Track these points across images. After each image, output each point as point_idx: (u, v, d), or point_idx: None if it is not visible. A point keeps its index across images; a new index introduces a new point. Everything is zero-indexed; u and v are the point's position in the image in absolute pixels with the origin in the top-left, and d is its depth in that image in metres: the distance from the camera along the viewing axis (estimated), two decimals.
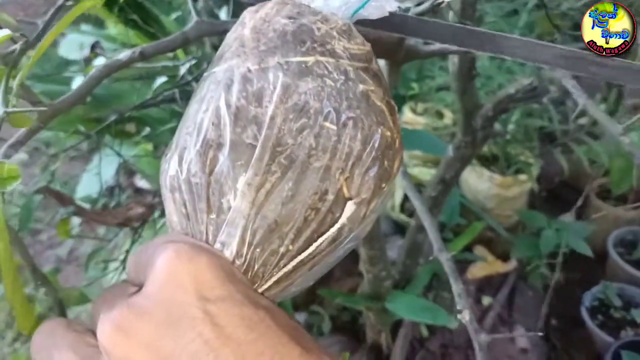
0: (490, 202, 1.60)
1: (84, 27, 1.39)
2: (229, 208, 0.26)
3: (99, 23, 1.37)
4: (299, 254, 0.27)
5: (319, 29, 0.29)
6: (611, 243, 1.51)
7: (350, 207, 0.27)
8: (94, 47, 1.15)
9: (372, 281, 1.16)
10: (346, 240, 0.29)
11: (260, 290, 0.27)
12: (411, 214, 1.54)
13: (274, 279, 0.27)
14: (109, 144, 0.96)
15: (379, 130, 0.28)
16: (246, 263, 0.26)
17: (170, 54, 0.99)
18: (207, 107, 0.28)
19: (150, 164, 1.13)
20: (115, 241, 1.38)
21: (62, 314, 0.61)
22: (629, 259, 1.48)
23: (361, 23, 0.33)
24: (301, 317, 1.38)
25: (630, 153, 0.33)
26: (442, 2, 0.37)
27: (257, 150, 0.26)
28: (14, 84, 0.33)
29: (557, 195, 1.77)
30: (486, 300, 1.49)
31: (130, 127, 1.06)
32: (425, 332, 1.36)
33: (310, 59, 0.28)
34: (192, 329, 0.22)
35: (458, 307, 0.40)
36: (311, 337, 0.25)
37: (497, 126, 1.49)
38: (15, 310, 0.43)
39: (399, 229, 1.59)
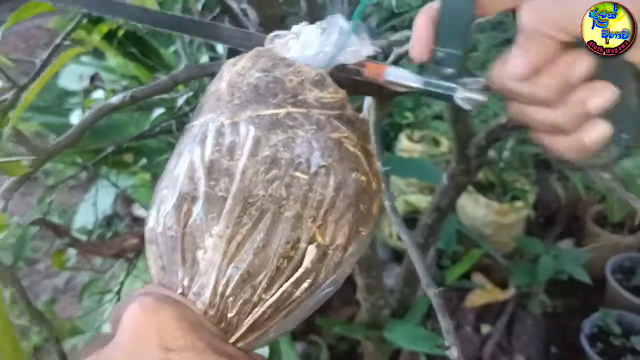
0: (487, 229, 1.60)
1: (84, 58, 1.42)
2: (202, 260, 0.27)
3: (98, 54, 1.40)
4: (273, 302, 0.27)
5: (290, 80, 0.30)
6: (609, 270, 1.51)
7: (311, 250, 0.27)
8: (93, 78, 1.17)
9: (370, 310, 1.16)
10: (323, 286, 0.29)
11: (234, 338, 0.28)
12: None
13: (247, 327, 0.28)
14: (107, 174, 0.97)
15: (353, 176, 0.29)
16: (219, 312, 0.27)
17: None
18: (184, 161, 0.29)
19: (147, 193, 1.14)
20: (112, 271, 1.38)
21: (58, 346, 0.61)
22: (627, 286, 1.47)
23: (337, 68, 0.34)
24: (299, 347, 1.37)
25: (610, 188, 0.34)
26: None
27: (227, 203, 0.27)
28: (6, 129, 0.34)
29: (554, 221, 1.77)
30: (485, 328, 1.47)
31: (128, 158, 1.07)
32: None
33: (282, 111, 0.29)
34: None
35: (446, 344, 0.40)
36: None
37: (492, 153, 1.51)
38: (5, 356, 0.43)
39: (397, 256, 1.59)
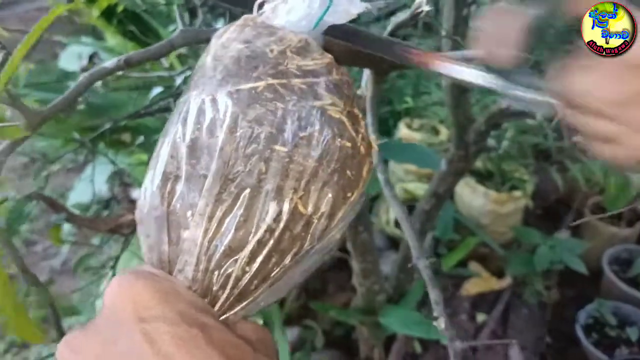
0: (485, 219, 1.60)
1: (84, 39, 1.41)
2: (185, 238, 0.28)
3: (99, 35, 1.39)
4: (257, 273, 0.28)
5: (272, 50, 0.30)
6: (606, 261, 1.51)
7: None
8: (92, 57, 1.16)
9: (365, 295, 1.16)
10: (310, 253, 0.29)
11: (221, 309, 0.28)
12: None
13: (234, 297, 0.28)
14: (104, 152, 0.96)
15: (337, 143, 0.29)
16: (204, 287, 0.28)
17: (167, 65, 1.00)
18: (168, 141, 0.30)
19: (144, 173, 1.13)
20: (109, 252, 1.38)
21: (56, 317, 0.61)
22: (623, 277, 1.47)
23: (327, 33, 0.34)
24: (294, 331, 1.37)
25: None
26: (421, 11, 0.38)
27: (207, 182, 0.28)
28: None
29: (552, 212, 1.77)
30: (480, 317, 1.48)
31: (126, 137, 1.07)
32: (418, 348, 1.35)
33: (261, 84, 0.29)
34: (131, 345, 0.25)
35: (435, 314, 0.40)
36: (256, 356, 0.27)
37: (492, 142, 1.50)
38: (9, 318, 0.43)
39: (393, 244, 1.59)
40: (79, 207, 0.99)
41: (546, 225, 1.65)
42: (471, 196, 1.60)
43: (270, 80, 0.29)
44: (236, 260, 0.27)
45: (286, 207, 0.27)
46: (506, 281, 1.54)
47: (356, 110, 0.31)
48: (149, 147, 1.04)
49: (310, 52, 0.31)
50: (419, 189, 1.61)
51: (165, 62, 0.98)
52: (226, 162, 0.27)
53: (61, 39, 1.39)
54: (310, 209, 0.28)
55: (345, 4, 0.32)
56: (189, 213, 0.28)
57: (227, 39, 0.31)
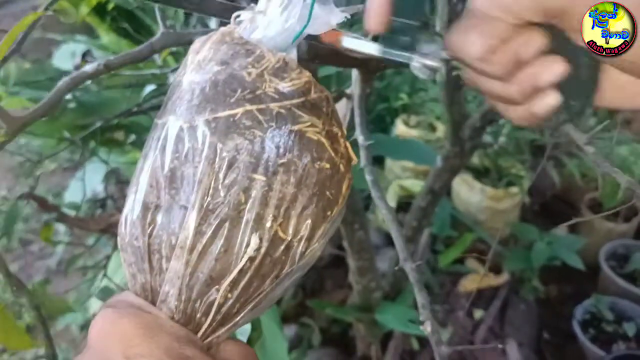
0: (482, 215, 1.60)
1: (78, 37, 1.40)
2: (167, 269, 0.28)
3: (93, 33, 1.38)
4: (239, 299, 0.28)
5: (249, 73, 0.29)
6: (603, 256, 1.51)
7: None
8: (85, 55, 1.15)
9: (362, 292, 1.16)
10: (291, 274, 0.29)
11: (204, 335, 0.29)
12: (402, 225, 1.54)
13: (216, 323, 0.28)
14: (96, 151, 0.96)
15: (316, 166, 0.29)
16: (186, 316, 0.28)
17: (160, 62, 1.00)
18: (147, 168, 0.29)
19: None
20: (105, 251, 1.38)
21: (42, 321, 0.61)
22: (620, 272, 1.47)
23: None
24: (291, 329, 1.37)
25: (594, 162, 0.33)
26: None
27: (187, 214, 0.27)
28: None
29: (549, 208, 1.77)
30: (478, 313, 1.48)
31: (119, 135, 1.06)
32: (416, 345, 1.35)
33: (239, 111, 0.28)
34: None
35: (421, 318, 0.40)
36: None
37: (488, 138, 1.50)
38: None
39: (390, 241, 1.59)
40: (73, 206, 0.98)
41: (543, 221, 1.65)
42: (468, 193, 1.60)
43: (248, 107, 0.29)
44: (218, 289, 0.28)
45: (266, 235, 0.28)
46: (504, 277, 1.54)
47: (335, 128, 0.31)
48: (142, 145, 1.03)
49: (288, 72, 0.30)
50: (416, 185, 1.60)
51: (158, 59, 0.98)
52: (205, 194, 0.27)
53: (56, 37, 1.39)
54: (290, 234, 0.28)
55: (324, 15, 0.31)
56: (169, 244, 0.28)
57: (203, 58, 0.31)
